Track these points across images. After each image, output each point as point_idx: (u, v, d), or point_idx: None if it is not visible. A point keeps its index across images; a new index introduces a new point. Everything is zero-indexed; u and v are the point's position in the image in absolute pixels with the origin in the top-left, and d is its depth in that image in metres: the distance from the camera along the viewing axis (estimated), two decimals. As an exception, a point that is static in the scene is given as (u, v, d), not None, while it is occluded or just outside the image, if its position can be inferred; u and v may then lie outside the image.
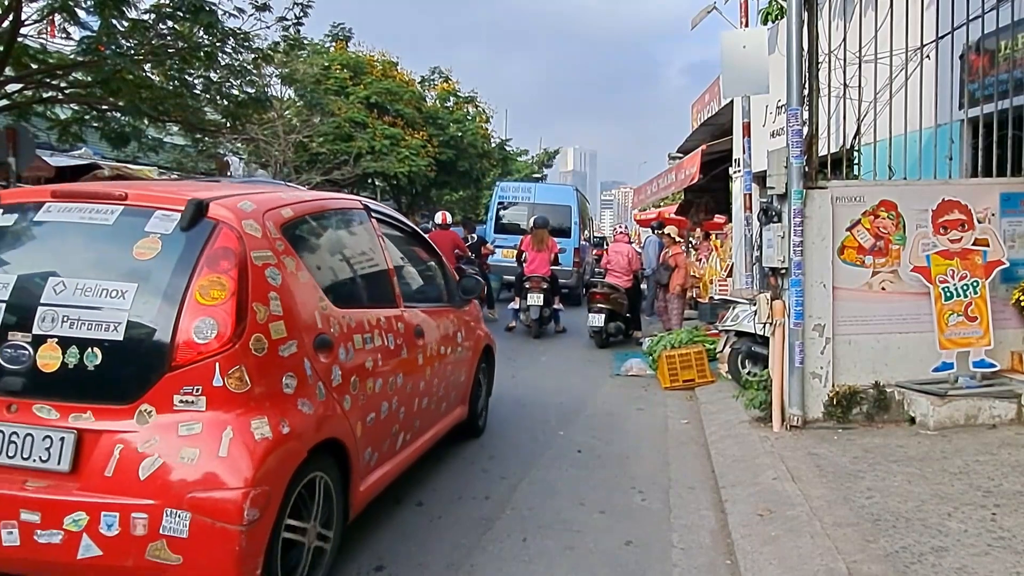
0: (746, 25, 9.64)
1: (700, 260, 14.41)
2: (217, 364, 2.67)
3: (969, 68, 6.12)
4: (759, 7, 11.40)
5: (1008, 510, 3.57)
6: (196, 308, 2.69)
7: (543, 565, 3.47)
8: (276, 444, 2.72)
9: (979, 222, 5.36)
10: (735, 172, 11.25)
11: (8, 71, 9.93)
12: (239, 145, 19.07)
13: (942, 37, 5.68)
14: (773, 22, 10.41)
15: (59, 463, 2.61)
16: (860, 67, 5.59)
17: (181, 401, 2.65)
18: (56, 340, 2.69)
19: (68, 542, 2.51)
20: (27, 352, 2.70)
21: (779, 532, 3.52)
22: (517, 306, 11.21)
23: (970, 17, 5.66)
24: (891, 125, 5.78)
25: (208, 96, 11.89)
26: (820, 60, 5.42)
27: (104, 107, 11.07)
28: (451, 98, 30.61)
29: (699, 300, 12.95)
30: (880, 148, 5.86)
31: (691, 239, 16.59)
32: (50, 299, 2.74)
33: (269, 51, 11.96)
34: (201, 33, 10.43)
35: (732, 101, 10.63)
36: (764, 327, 5.58)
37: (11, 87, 10.43)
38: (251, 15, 10.84)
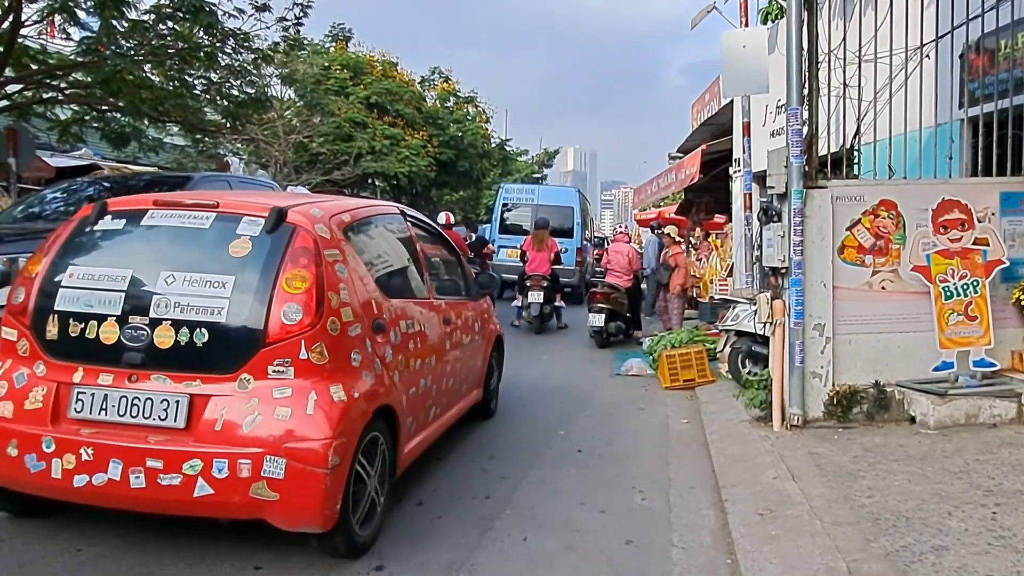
0: (746, 25, 9.63)
1: (700, 260, 14.41)
2: (303, 341, 3.26)
3: (969, 67, 6.12)
4: (759, 7, 11.41)
5: (1008, 509, 3.57)
6: (284, 296, 3.29)
7: (544, 565, 3.47)
8: (349, 406, 3.32)
9: (979, 221, 5.36)
10: (735, 172, 11.25)
11: (8, 71, 9.93)
12: (239, 145, 19.08)
13: (942, 36, 5.68)
14: (773, 22, 10.41)
15: (175, 421, 3.20)
16: (860, 66, 5.59)
17: (274, 371, 3.24)
18: (169, 322, 3.28)
19: (185, 484, 3.10)
20: (145, 332, 3.30)
21: (779, 531, 3.52)
22: (519, 303, 11.58)
23: (970, 16, 5.66)
24: (891, 124, 5.78)
25: (208, 96, 11.89)
26: (820, 60, 5.42)
27: (104, 107, 11.06)
28: (451, 98, 30.63)
29: (699, 300, 12.95)
30: (880, 147, 5.86)
31: (691, 239, 16.60)
32: (163, 289, 3.35)
33: (269, 51, 11.97)
34: (201, 33, 10.43)
35: (732, 101, 10.63)
36: (764, 327, 5.59)
37: (11, 88, 10.43)
38: (251, 15, 10.85)
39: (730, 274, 11.94)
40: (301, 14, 11.71)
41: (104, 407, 3.28)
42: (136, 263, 3.51)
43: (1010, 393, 5.18)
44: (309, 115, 20.05)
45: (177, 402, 3.22)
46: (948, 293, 5.29)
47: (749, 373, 6.75)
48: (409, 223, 4.89)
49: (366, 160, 22.07)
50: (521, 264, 11.96)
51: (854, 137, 5.96)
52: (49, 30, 10.42)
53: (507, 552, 3.59)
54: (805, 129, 5.28)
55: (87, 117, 11.36)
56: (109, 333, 3.33)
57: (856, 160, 6.37)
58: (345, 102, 22.87)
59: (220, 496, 3.11)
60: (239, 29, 10.81)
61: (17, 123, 10.82)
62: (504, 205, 17.10)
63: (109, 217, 3.68)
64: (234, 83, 11.94)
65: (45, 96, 11.00)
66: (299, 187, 18.21)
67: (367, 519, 3.54)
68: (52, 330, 3.40)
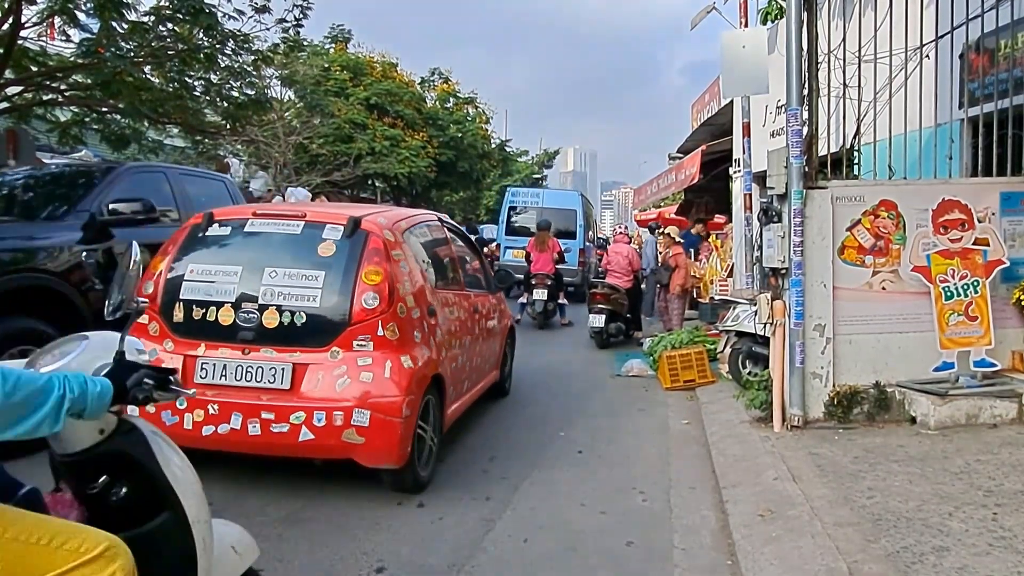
0: (746, 25, 9.62)
1: (700, 260, 14.41)
2: (379, 321, 4.13)
3: (969, 67, 6.12)
4: (759, 7, 11.40)
5: (1009, 510, 3.57)
6: (364, 287, 4.17)
7: (544, 566, 3.47)
8: (415, 371, 4.20)
9: (979, 221, 5.35)
10: (735, 172, 11.24)
11: (8, 73, 9.93)
12: (239, 147, 19.08)
13: (942, 36, 5.68)
14: (773, 22, 10.41)
15: (282, 383, 4.06)
16: (860, 67, 5.59)
17: (358, 344, 4.11)
18: (275, 307, 4.15)
19: (292, 431, 3.95)
20: (255, 316, 4.17)
21: (780, 532, 3.52)
22: (524, 300, 12.45)
23: (970, 16, 5.66)
24: (891, 125, 5.78)
25: (208, 98, 11.90)
26: (820, 60, 5.42)
27: (104, 109, 11.06)
28: (451, 99, 30.62)
29: (699, 300, 12.95)
30: (880, 148, 5.86)
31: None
32: (268, 281, 4.22)
33: (269, 53, 11.98)
34: (201, 35, 10.44)
35: (732, 101, 10.62)
36: (764, 327, 5.58)
37: (11, 89, 10.43)
38: (251, 17, 10.85)
39: (730, 275, 11.93)
40: (301, 15, 11.71)
41: (224, 374, 4.14)
42: (244, 261, 4.38)
43: (1011, 393, 5.18)
44: (309, 116, 20.05)
45: (283, 369, 4.08)
46: (948, 293, 5.29)
47: (749, 374, 6.75)
48: (445, 228, 5.90)
49: (366, 161, 22.07)
50: (526, 264, 12.51)
51: (854, 137, 5.96)
52: (49, 32, 10.42)
53: (507, 554, 3.59)
54: (805, 129, 5.28)
55: (87, 119, 11.36)
56: (226, 317, 4.22)
57: (856, 160, 6.37)
58: (345, 103, 22.87)
59: (319, 441, 3.95)
60: (239, 30, 10.82)
61: (17, 125, 10.82)
62: (511, 207, 17.88)
63: (216, 225, 4.59)
64: (234, 84, 11.94)
65: (45, 98, 10.99)
66: (299, 188, 18.21)
67: (427, 462, 4.46)
68: (178, 315, 4.30)
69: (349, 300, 4.13)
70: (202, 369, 4.17)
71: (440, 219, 5.90)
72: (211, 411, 4.05)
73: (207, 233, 4.57)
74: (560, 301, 12.29)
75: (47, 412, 1.62)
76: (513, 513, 4.11)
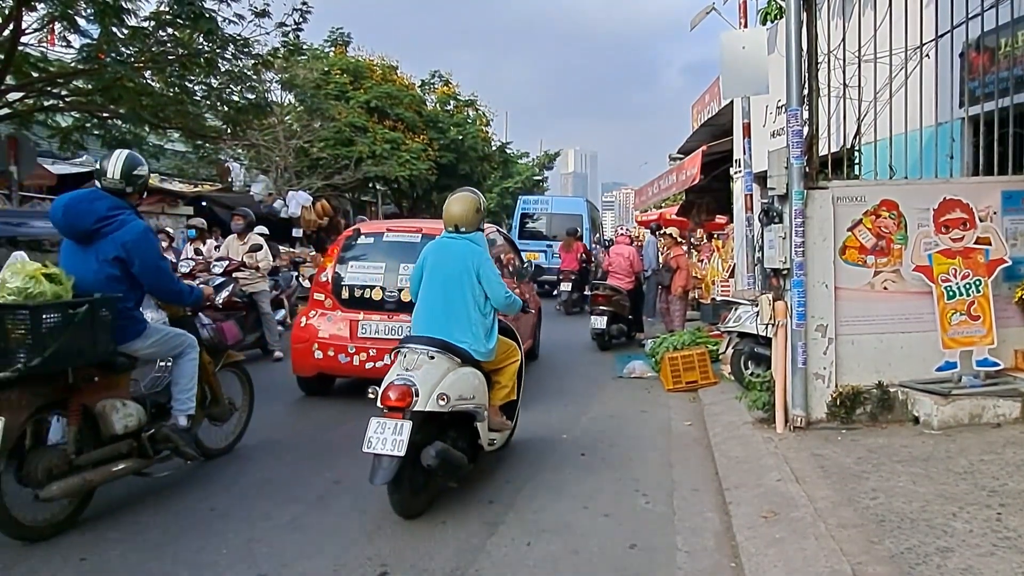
0: (745, 25, 9.61)
1: (702, 261, 14.40)
2: None
3: (969, 66, 6.11)
4: (758, 7, 11.40)
5: (1013, 510, 3.56)
6: None
7: (547, 569, 3.46)
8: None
9: (981, 220, 5.34)
10: (736, 173, 11.23)
11: (9, 79, 9.95)
12: (240, 151, 19.10)
13: (942, 35, 5.67)
14: (772, 22, 10.40)
15: None
16: (860, 66, 5.59)
17: None
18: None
19: None
20: (395, 294, 6.59)
21: (783, 534, 3.51)
22: (555, 292, 15.14)
23: (970, 15, 5.65)
24: (891, 124, 5.78)
25: (209, 102, 11.93)
26: (820, 60, 5.42)
27: (105, 114, 11.09)
28: (451, 101, 30.62)
29: (701, 301, 12.93)
30: (881, 147, 5.86)
31: (692, 240, 16.60)
32: (404, 273, 6.40)
33: (269, 57, 11.99)
34: (201, 40, 10.46)
35: (732, 102, 10.61)
36: (766, 328, 5.57)
37: (12, 95, 10.45)
38: (251, 21, 10.89)
39: (732, 275, 11.91)
40: (300, 19, 11.75)
41: (376, 331, 6.61)
42: (385, 259, 6.81)
43: (1014, 393, 5.16)
44: (309, 120, 20.06)
45: None
46: (950, 293, 5.28)
47: (752, 375, 6.74)
48: (500, 235, 8.72)
49: (367, 164, 22.07)
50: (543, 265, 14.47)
51: (854, 137, 5.96)
52: (49, 38, 10.44)
53: (511, 556, 3.58)
54: (805, 130, 5.27)
55: (88, 124, 11.39)
56: (376, 295, 6.71)
57: (857, 160, 6.37)
58: (345, 106, 22.87)
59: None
60: (239, 35, 10.85)
61: (18, 131, 10.84)
62: (524, 214, 20.30)
63: (362, 236, 7.13)
64: (234, 89, 11.97)
65: (46, 104, 11.02)
66: (300, 192, 18.22)
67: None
68: (344, 294, 6.79)
69: None
70: (362, 328, 6.65)
71: (498, 229, 8.20)
72: (371, 353, 6.51)
73: (357, 241, 7.06)
74: (586, 292, 13.88)
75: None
76: (516, 516, 4.10)
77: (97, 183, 4.13)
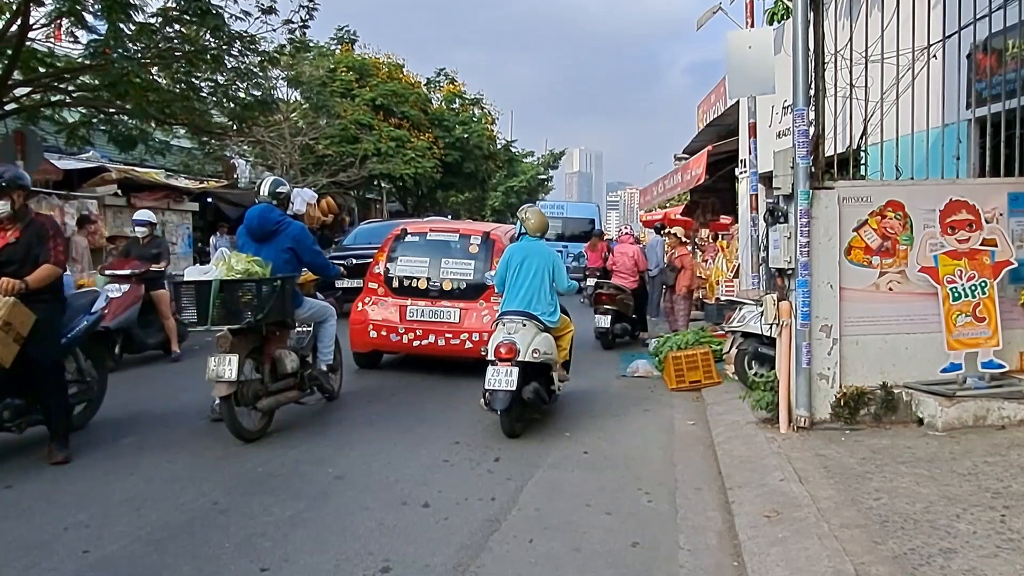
0: (752, 25, 9.59)
1: (706, 261, 14.39)
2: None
3: (976, 67, 6.09)
4: (765, 7, 11.36)
5: (1017, 512, 3.55)
6: (493, 268, 7.12)
7: (550, 567, 3.46)
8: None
9: (987, 222, 5.33)
10: (741, 173, 11.21)
11: (16, 75, 9.98)
12: (246, 148, 19.14)
13: (949, 36, 5.65)
14: (779, 22, 10.37)
15: (454, 319, 7.75)
16: (867, 67, 5.57)
17: (495, 299, 7.18)
18: (449, 279, 7.88)
19: (460, 343, 7.64)
20: (438, 283, 7.93)
21: (786, 534, 3.50)
22: (582, 286, 15.49)
23: (977, 16, 5.63)
24: (898, 125, 5.75)
25: (215, 99, 11.95)
26: (826, 60, 5.40)
27: (111, 110, 11.12)
28: (457, 100, 30.63)
29: (705, 301, 12.92)
30: (887, 148, 5.84)
31: (696, 240, 16.59)
32: (444, 265, 7.98)
33: (275, 54, 12.01)
34: (208, 36, 10.48)
35: (738, 102, 10.59)
36: (771, 328, 5.57)
37: (19, 91, 10.48)
38: (257, 18, 10.89)
39: (736, 275, 11.90)
40: (307, 16, 11.75)
41: (423, 314, 7.87)
42: (429, 254, 8.13)
43: (1019, 395, 5.15)
44: (315, 117, 20.09)
45: (454, 311, 7.81)
46: (956, 294, 5.27)
47: (755, 374, 6.73)
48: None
49: (372, 162, 22.09)
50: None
51: (861, 138, 5.93)
52: (56, 33, 10.47)
53: (513, 554, 3.58)
54: (811, 130, 5.26)
55: (94, 120, 11.42)
56: (422, 284, 7.99)
57: (863, 161, 6.34)
58: (351, 104, 22.91)
59: (472, 349, 7.35)
60: (245, 32, 10.86)
61: (25, 126, 10.88)
62: None
63: (408, 235, 8.39)
64: (240, 85, 11.99)
65: (53, 99, 11.05)
66: (305, 189, 18.24)
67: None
68: (395, 284, 8.09)
69: (484, 276, 7.77)
70: (410, 312, 7.93)
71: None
72: (418, 333, 7.81)
73: (404, 240, 8.33)
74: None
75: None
76: (518, 513, 4.10)
77: (256, 199, 5.97)
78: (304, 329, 6.24)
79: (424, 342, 7.73)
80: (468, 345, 7.46)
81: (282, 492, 4.34)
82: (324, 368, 6.26)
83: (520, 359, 5.50)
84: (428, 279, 7.94)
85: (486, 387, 5.47)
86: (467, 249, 8.02)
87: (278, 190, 5.94)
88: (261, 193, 5.92)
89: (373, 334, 7.94)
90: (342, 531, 3.79)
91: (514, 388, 5.38)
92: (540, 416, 6.12)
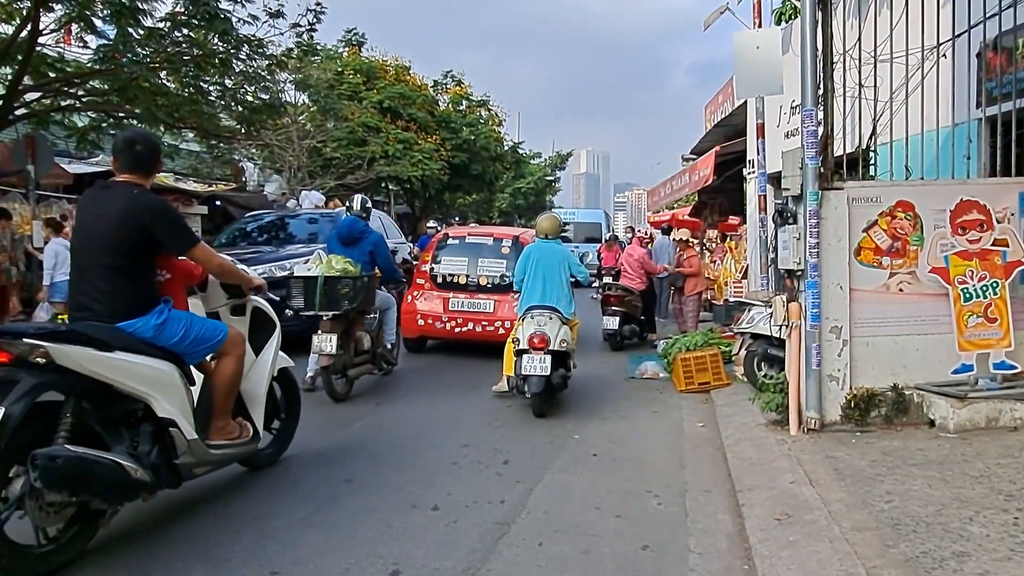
0: (759, 25, 9.56)
1: (715, 262, 14.35)
2: None
3: (986, 66, 6.05)
4: (772, 7, 11.33)
5: (1031, 514, 3.52)
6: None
7: (559, 570, 3.46)
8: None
9: (998, 222, 5.29)
10: (749, 173, 11.18)
11: (27, 80, 10.05)
12: (254, 151, 19.21)
13: (959, 35, 5.62)
14: (787, 22, 10.34)
15: (490, 310, 9.18)
16: (875, 66, 5.54)
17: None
18: (485, 276, 9.38)
19: (495, 330, 8.90)
20: (475, 279, 9.40)
21: (797, 536, 3.49)
22: (598, 283, 16.22)
23: (987, 15, 5.60)
24: (907, 125, 5.72)
25: (223, 102, 12.00)
26: (835, 60, 5.37)
27: (121, 114, 11.18)
28: (464, 102, 30.67)
29: (714, 302, 12.88)
30: (896, 148, 5.81)
31: (704, 241, 16.54)
32: (481, 265, 9.44)
33: (283, 57, 12.05)
34: (216, 40, 10.52)
35: (746, 102, 10.56)
36: (780, 329, 5.54)
37: (30, 96, 10.56)
38: (265, 22, 10.94)
39: (745, 276, 11.86)
40: (314, 20, 11.80)
41: (463, 305, 9.20)
42: (468, 255, 9.46)
43: (1031, 396, 5.10)
44: (323, 120, 20.15)
45: (490, 303, 9.14)
46: (967, 295, 5.23)
47: (765, 376, 6.69)
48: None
49: (379, 164, 22.16)
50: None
51: (870, 138, 5.91)
52: (66, 38, 10.54)
53: (522, 557, 3.58)
54: (820, 130, 5.23)
55: (104, 124, 11.48)
56: (463, 280, 9.35)
57: (872, 161, 6.31)
58: (358, 107, 22.96)
59: (504, 335, 7.32)
60: (253, 35, 10.90)
61: (35, 131, 10.95)
62: None
63: (451, 238, 9.88)
64: (248, 89, 12.04)
65: (63, 104, 11.12)
66: (313, 191, 18.30)
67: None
68: (439, 279, 9.45)
69: (510, 274, 8.42)
70: (452, 304, 9.21)
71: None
72: (459, 321, 9.14)
73: (447, 242, 9.77)
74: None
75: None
76: (528, 516, 4.10)
77: (346, 212, 7.86)
78: (372, 316, 7.55)
79: (464, 329, 9.13)
80: (501, 331, 8.39)
81: (291, 495, 4.35)
82: (388, 346, 7.88)
83: (551, 348, 6.27)
84: (467, 275, 9.32)
85: (522, 372, 6.24)
86: (500, 250, 9.41)
87: (366, 206, 7.66)
88: (353, 207, 7.58)
89: (421, 322, 9.32)
90: (352, 534, 3.79)
91: (548, 373, 6.16)
92: (547, 417, 6.19)
